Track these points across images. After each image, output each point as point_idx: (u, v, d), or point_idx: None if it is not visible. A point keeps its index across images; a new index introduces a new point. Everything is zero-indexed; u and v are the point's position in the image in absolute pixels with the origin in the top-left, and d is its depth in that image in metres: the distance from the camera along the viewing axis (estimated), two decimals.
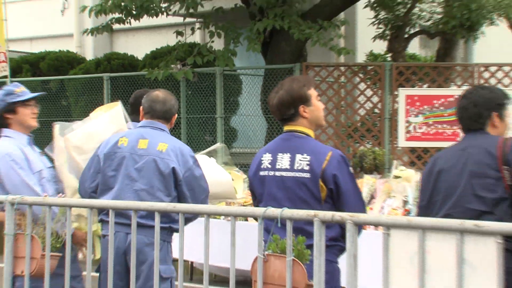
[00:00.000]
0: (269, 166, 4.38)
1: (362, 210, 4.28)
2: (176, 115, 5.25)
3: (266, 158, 4.42)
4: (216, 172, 5.76)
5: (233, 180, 5.98)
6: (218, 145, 6.64)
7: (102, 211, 4.86)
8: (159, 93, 5.16)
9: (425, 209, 4.25)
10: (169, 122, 5.16)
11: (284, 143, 4.41)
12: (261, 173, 4.43)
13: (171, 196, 4.94)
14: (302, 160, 4.27)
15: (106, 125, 5.29)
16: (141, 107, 5.19)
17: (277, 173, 4.34)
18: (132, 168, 4.91)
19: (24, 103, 5.25)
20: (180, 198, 4.97)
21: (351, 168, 4.34)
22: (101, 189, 4.94)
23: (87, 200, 4.73)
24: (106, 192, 4.91)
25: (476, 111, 4.27)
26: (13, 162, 5.00)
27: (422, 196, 4.38)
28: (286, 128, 4.45)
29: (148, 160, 4.91)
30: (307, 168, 4.24)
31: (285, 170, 4.31)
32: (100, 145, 5.04)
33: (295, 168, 4.28)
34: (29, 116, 5.24)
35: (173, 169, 4.91)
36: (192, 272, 9.38)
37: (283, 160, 4.34)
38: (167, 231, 4.91)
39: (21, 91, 5.30)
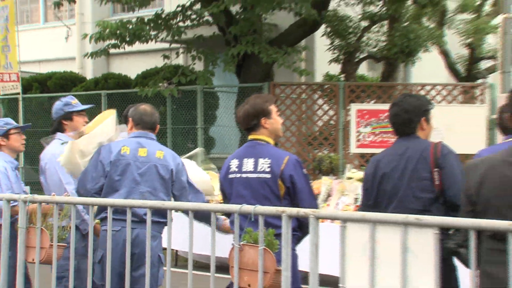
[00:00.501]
0: (236, 169, 4.40)
1: (315, 205, 4.30)
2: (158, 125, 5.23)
3: (234, 163, 4.43)
4: (196, 173, 5.72)
5: (211, 179, 5.95)
6: (197, 150, 6.59)
7: (102, 210, 4.78)
8: (146, 107, 5.10)
9: (371, 208, 4.15)
10: (154, 131, 5.12)
11: (248, 150, 4.42)
12: (230, 176, 4.43)
13: (170, 195, 4.92)
14: (264, 163, 4.29)
15: (103, 131, 5.22)
16: (130, 119, 5.11)
17: (243, 175, 4.35)
18: (136, 173, 4.83)
19: (79, 112, 5.41)
20: (175, 199, 4.96)
21: (305, 170, 4.36)
22: (107, 191, 4.81)
23: (89, 199, 4.67)
24: (112, 193, 4.79)
25: (408, 117, 4.19)
26: (56, 162, 5.11)
27: (368, 196, 4.28)
28: (250, 137, 4.48)
29: (149, 166, 4.85)
30: (268, 169, 4.27)
31: (250, 172, 4.33)
32: (100, 151, 4.91)
33: (258, 170, 4.30)
34: (82, 123, 5.37)
35: (171, 170, 4.90)
36: (177, 259, 9.34)
37: (248, 163, 4.35)
38: (163, 225, 4.85)
39: (76, 103, 5.48)
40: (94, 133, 5.19)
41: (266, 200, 4.18)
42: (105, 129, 5.19)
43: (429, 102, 4.36)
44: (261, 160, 4.32)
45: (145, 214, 4.55)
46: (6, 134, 5.40)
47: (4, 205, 4.36)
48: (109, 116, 5.27)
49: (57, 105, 5.46)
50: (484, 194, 3.26)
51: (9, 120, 5.61)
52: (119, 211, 4.35)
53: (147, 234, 3.90)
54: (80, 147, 5.08)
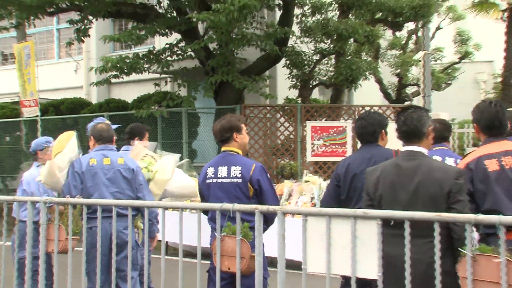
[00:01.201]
0: (213, 175, 4.38)
1: (277, 203, 4.31)
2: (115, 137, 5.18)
3: (210, 171, 4.42)
4: (183, 179, 5.67)
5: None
6: (184, 161, 6.55)
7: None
8: (103, 125, 5.07)
9: (344, 202, 4.12)
10: (112, 143, 5.08)
11: (222, 159, 4.42)
12: (207, 181, 4.42)
13: (135, 192, 4.92)
14: (236, 170, 4.30)
15: (69, 149, 5.16)
16: (91, 137, 5.05)
17: (219, 180, 4.34)
18: (104, 178, 4.84)
19: None
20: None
21: (269, 175, 4.38)
22: (84, 196, 4.78)
23: (93, 200, 4.61)
24: (88, 198, 4.74)
25: (373, 128, 4.23)
26: None
27: (342, 192, 4.18)
28: (223, 148, 4.48)
29: (114, 171, 4.88)
30: (239, 175, 4.28)
31: (224, 177, 4.32)
32: (74, 165, 4.88)
33: (231, 176, 4.30)
34: None
35: (132, 170, 4.90)
36: (167, 248, 9.27)
37: (222, 171, 4.34)
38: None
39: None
40: (65, 151, 5.16)
41: (238, 200, 4.17)
42: (71, 147, 5.15)
43: (386, 118, 4.42)
44: (233, 168, 4.31)
45: (121, 209, 4.53)
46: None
47: (28, 206, 4.31)
48: (71, 137, 5.22)
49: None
50: (378, 192, 3.36)
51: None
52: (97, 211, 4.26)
53: (129, 226, 3.84)
54: (58, 163, 5.03)
